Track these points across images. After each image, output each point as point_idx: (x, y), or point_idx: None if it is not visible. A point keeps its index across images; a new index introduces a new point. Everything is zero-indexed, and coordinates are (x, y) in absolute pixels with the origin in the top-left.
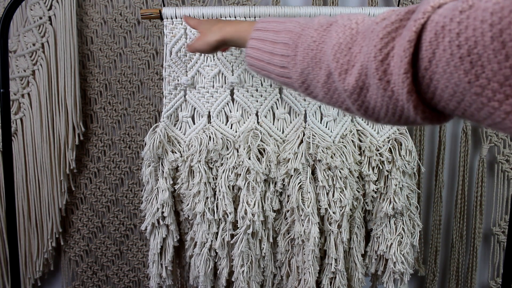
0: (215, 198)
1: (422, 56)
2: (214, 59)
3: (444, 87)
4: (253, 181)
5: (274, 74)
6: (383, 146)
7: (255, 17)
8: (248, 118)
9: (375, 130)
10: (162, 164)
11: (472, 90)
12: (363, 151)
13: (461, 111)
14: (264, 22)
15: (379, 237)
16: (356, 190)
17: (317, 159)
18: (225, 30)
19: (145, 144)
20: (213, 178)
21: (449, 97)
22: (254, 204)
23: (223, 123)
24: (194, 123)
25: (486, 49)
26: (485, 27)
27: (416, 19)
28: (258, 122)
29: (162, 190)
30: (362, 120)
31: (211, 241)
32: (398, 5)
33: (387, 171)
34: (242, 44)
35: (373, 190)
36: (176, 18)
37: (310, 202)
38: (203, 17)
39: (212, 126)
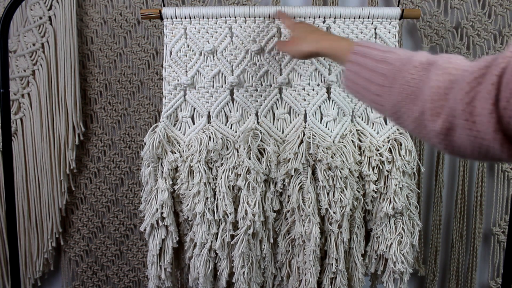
0: (215, 199)
1: (501, 97)
2: (214, 59)
3: None
4: (253, 181)
5: (368, 99)
6: (383, 146)
7: (255, 17)
8: (248, 118)
9: (375, 130)
10: (161, 164)
11: None
12: (363, 151)
13: None
14: (363, 46)
15: (379, 237)
16: (356, 190)
17: (317, 159)
18: (320, 44)
19: (145, 144)
20: (213, 178)
21: None
22: (255, 205)
23: (223, 123)
24: (193, 123)
25: None
26: None
27: (497, 64)
28: (258, 122)
29: (162, 191)
30: (363, 120)
31: (211, 242)
32: (398, 5)
33: (387, 171)
34: (335, 60)
35: (373, 190)
36: (176, 18)
37: (311, 202)
38: (203, 17)
39: (212, 126)
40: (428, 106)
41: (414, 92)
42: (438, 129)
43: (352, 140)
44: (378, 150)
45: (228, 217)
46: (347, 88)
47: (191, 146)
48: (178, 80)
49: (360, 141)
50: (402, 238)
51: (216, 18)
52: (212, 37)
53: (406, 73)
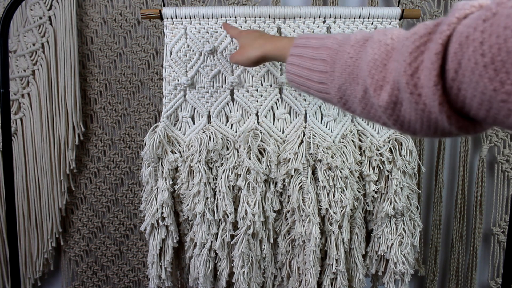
0: (215, 199)
1: (449, 67)
2: (214, 59)
3: (472, 96)
4: (253, 181)
5: (313, 89)
6: (384, 146)
7: (255, 17)
8: (248, 118)
9: (375, 130)
10: (161, 164)
11: (499, 98)
12: (364, 151)
13: (492, 119)
14: (302, 38)
15: (380, 237)
16: (357, 190)
17: (317, 159)
18: (265, 48)
19: (145, 144)
20: (213, 178)
21: (478, 106)
22: (255, 205)
23: (223, 123)
24: (194, 123)
25: (510, 55)
26: (508, 33)
27: (442, 31)
28: (258, 122)
29: (162, 191)
30: (363, 120)
31: (211, 242)
32: (398, 5)
33: (387, 171)
34: (282, 60)
35: (374, 190)
36: (176, 18)
37: (311, 203)
38: (203, 17)
39: (212, 126)
40: (369, 82)
41: (353, 71)
42: (384, 103)
43: (352, 140)
44: (378, 150)
45: (228, 217)
46: (291, 83)
47: (191, 146)
48: (178, 80)
49: (361, 141)
50: (403, 238)
51: (216, 18)
52: (212, 37)
53: (344, 53)
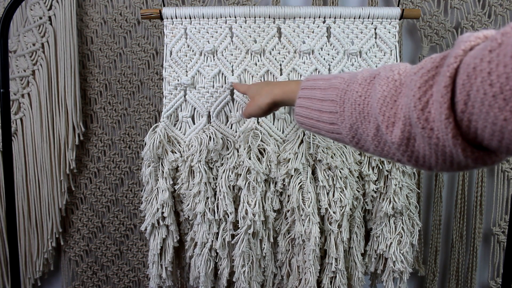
0: (215, 198)
1: (458, 99)
2: (214, 59)
3: (483, 127)
4: (253, 181)
5: (324, 130)
6: None
7: (255, 17)
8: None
9: None
10: (162, 164)
11: (510, 127)
12: None
13: (505, 149)
14: (309, 80)
15: (379, 236)
16: (356, 190)
17: (317, 159)
18: (273, 93)
19: (145, 144)
20: (213, 178)
21: (490, 136)
22: (255, 204)
23: (223, 123)
24: (194, 123)
25: None
26: None
27: (449, 64)
28: (258, 122)
29: (162, 190)
30: None
31: (212, 241)
32: (398, 5)
33: (387, 171)
34: (292, 104)
35: (373, 190)
36: (176, 18)
37: (311, 202)
38: (203, 17)
39: (212, 126)
40: (380, 119)
41: (364, 109)
42: (397, 140)
43: None
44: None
45: (228, 216)
46: (302, 126)
47: (192, 146)
48: (178, 80)
49: None
50: (401, 237)
51: (216, 18)
52: (212, 37)
53: (352, 92)
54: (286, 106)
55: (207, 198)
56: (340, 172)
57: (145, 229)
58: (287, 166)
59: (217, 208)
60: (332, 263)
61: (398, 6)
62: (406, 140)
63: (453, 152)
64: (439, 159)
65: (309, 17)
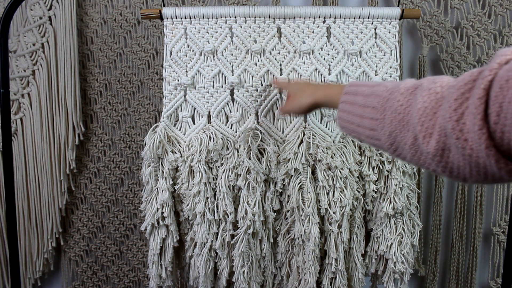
0: (215, 198)
1: (491, 111)
2: (214, 59)
3: None
4: (253, 181)
5: (364, 135)
6: None
7: (255, 17)
8: (248, 118)
9: None
10: (162, 164)
11: None
12: (363, 151)
13: None
14: (353, 86)
15: (379, 237)
16: (356, 190)
17: (317, 159)
18: (316, 94)
19: (145, 144)
20: (213, 178)
21: None
22: (255, 204)
23: (223, 123)
24: (194, 123)
25: None
26: None
27: (484, 76)
28: (258, 122)
29: (162, 190)
30: None
31: (211, 241)
32: (398, 5)
33: (387, 171)
34: (333, 107)
35: (373, 190)
36: (176, 18)
37: (310, 202)
38: (203, 17)
39: (212, 126)
40: (418, 129)
41: (403, 118)
42: (432, 150)
43: (352, 140)
44: (378, 150)
45: (228, 216)
46: (343, 129)
47: (192, 146)
48: (178, 80)
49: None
50: (402, 238)
51: (216, 18)
52: (212, 37)
53: (393, 101)
54: (326, 107)
55: (207, 198)
56: (340, 172)
57: (145, 229)
58: (287, 166)
59: (217, 208)
60: (332, 264)
61: (398, 6)
62: (441, 150)
63: (487, 163)
64: (473, 170)
65: (309, 17)
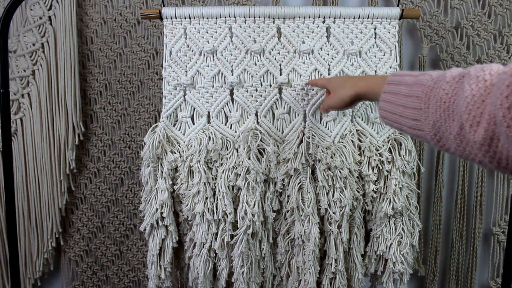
0: (214, 199)
1: None
2: (214, 59)
3: None
4: (253, 181)
5: (406, 126)
6: (383, 146)
7: (254, 17)
8: (247, 118)
9: (374, 130)
10: (161, 164)
11: None
12: (363, 151)
13: None
14: (396, 76)
15: (379, 237)
16: (356, 190)
17: (317, 159)
18: (358, 86)
19: (145, 144)
20: (212, 178)
21: None
22: (254, 204)
23: (222, 123)
24: (193, 123)
25: None
26: None
27: None
28: (257, 122)
29: (161, 191)
30: (362, 120)
31: (211, 241)
32: (397, 5)
33: (386, 171)
34: (375, 98)
35: (373, 190)
36: (176, 18)
37: (310, 202)
38: (203, 17)
39: (212, 126)
40: (465, 118)
41: (449, 107)
42: (480, 139)
43: (352, 140)
44: (378, 150)
45: (227, 217)
46: (385, 120)
47: (191, 146)
48: (178, 80)
49: (360, 141)
50: (402, 238)
51: (216, 18)
52: (212, 37)
53: (439, 90)
54: (369, 100)
55: (206, 198)
56: (340, 172)
57: (144, 230)
58: (287, 166)
59: (216, 209)
60: (332, 264)
61: (398, 6)
62: (490, 139)
63: None
64: None
65: (309, 17)
